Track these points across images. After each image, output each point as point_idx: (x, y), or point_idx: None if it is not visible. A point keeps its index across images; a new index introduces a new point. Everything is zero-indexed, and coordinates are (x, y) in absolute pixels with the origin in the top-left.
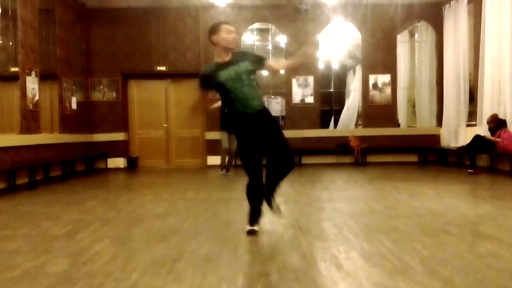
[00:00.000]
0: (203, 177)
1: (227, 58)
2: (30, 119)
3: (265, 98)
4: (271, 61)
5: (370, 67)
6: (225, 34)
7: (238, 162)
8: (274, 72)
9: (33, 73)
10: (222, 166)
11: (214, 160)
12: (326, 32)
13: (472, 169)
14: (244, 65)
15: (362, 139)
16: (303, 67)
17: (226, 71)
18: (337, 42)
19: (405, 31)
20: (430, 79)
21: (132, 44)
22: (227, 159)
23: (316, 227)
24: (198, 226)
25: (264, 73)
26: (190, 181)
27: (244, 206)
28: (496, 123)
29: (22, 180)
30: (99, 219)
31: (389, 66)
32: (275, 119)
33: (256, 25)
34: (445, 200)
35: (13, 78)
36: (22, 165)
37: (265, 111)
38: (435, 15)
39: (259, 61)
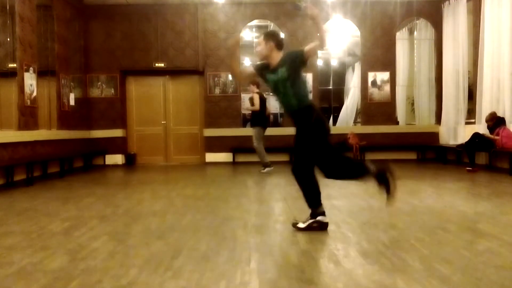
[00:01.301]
0: (202, 174)
1: (273, 63)
2: (28, 115)
3: (264, 95)
4: (307, 47)
5: (369, 64)
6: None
7: (240, 159)
8: (316, 51)
9: (31, 69)
10: (265, 165)
11: (212, 157)
12: (325, 30)
13: (471, 167)
14: (281, 73)
15: (361, 136)
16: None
17: (269, 76)
18: (336, 39)
19: (404, 29)
20: (429, 77)
21: (131, 40)
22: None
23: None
24: (197, 223)
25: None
26: (188, 178)
27: (243, 203)
28: (495, 121)
29: (19, 177)
30: (97, 216)
31: (388, 64)
32: (307, 125)
33: (255, 22)
34: (444, 198)
35: (11, 74)
36: (19, 161)
37: (299, 113)
38: (435, 12)
39: (296, 59)
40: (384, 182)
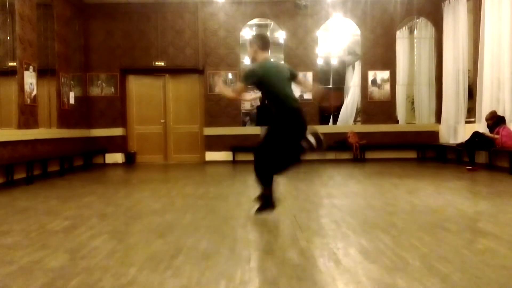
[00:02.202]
0: (202, 173)
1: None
2: (28, 114)
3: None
4: (302, 79)
5: (369, 63)
6: None
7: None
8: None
9: (31, 68)
10: None
11: (212, 155)
12: (325, 28)
13: (471, 166)
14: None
15: (361, 135)
16: (302, 64)
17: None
18: (336, 38)
19: (404, 28)
20: (429, 76)
21: (131, 39)
22: None
23: (314, 223)
24: (197, 222)
25: None
26: (188, 176)
27: (243, 202)
28: (495, 120)
29: (19, 175)
30: (97, 215)
31: (388, 63)
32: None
33: (255, 21)
34: (444, 197)
35: (11, 73)
36: (19, 160)
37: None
38: (435, 11)
39: (293, 74)
40: (263, 206)
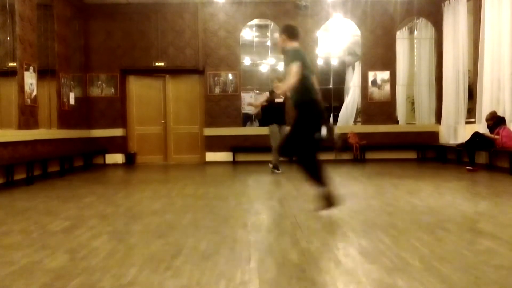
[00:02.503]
0: (202, 173)
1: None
2: (28, 115)
3: (264, 94)
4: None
5: (369, 63)
6: None
7: (239, 158)
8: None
9: (31, 68)
10: (275, 165)
11: (212, 156)
12: (325, 29)
13: (471, 166)
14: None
15: (361, 136)
16: None
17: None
18: (337, 39)
19: (404, 28)
20: (429, 76)
21: (131, 39)
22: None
23: (314, 223)
24: (197, 222)
25: (263, 68)
26: (188, 177)
27: (243, 203)
28: (495, 121)
29: (19, 176)
30: (97, 215)
31: (389, 63)
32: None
33: (255, 21)
34: (444, 197)
35: (11, 73)
36: (20, 160)
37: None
38: (435, 12)
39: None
40: (329, 205)
